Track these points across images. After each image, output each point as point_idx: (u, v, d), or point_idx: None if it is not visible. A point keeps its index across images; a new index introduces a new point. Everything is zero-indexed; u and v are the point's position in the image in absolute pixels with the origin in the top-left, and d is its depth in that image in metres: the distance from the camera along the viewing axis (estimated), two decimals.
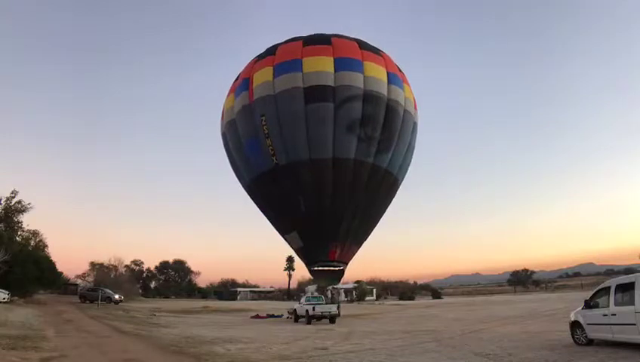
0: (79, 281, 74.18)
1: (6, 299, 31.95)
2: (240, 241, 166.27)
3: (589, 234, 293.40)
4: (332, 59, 18.28)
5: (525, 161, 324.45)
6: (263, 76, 18.94)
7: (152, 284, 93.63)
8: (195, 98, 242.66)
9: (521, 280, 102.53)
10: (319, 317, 27.64)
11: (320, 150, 18.21)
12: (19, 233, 48.22)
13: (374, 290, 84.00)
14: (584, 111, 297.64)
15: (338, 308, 28.41)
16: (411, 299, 78.67)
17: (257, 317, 33.81)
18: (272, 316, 34.56)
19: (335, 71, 18.19)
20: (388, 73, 19.29)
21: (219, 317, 35.77)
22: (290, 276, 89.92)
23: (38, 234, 53.91)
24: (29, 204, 46.27)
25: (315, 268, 22.52)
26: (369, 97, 18.34)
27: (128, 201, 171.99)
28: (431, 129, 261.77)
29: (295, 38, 20.75)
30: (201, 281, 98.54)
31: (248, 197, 23.06)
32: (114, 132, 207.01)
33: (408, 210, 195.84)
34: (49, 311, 31.53)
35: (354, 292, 77.19)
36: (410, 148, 21.05)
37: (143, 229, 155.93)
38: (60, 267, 56.71)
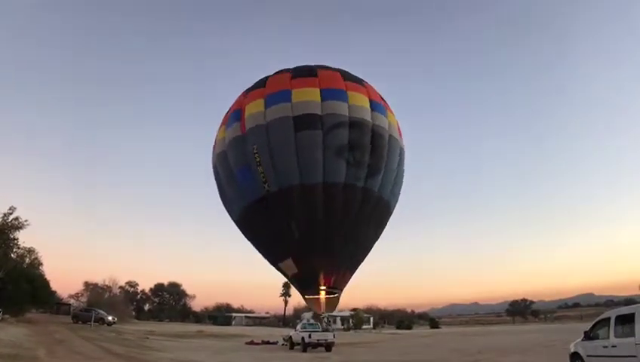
0: (72, 301, 73.24)
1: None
2: (236, 266, 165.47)
3: (589, 264, 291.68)
4: (318, 90, 19.50)
5: (525, 192, 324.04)
6: (255, 107, 19.58)
7: (146, 307, 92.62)
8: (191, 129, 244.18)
9: (520, 310, 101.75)
10: (315, 345, 27.20)
11: (310, 175, 18.51)
12: (14, 250, 47.80)
13: (371, 319, 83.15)
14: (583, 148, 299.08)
15: (334, 336, 28.03)
16: (409, 328, 77.86)
17: (252, 343, 33.27)
18: (267, 343, 34.03)
19: (322, 100, 19.24)
20: (370, 101, 20.29)
21: (213, 342, 35.23)
22: (286, 302, 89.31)
23: (34, 251, 53.50)
24: (25, 220, 45.95)
25: (310, 296, 21.85)
26: (354, 124, 19.30)
27: (125, 222, 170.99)
28: (428, 154, 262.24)
29: (282, 70, 21.81)
30: (196, 305, 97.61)
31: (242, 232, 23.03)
32: (114, 151, 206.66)
33: (405, 238, 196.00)
34: (41, 330, 31.03)
35: (350, 320, 76.27)
36: (399, 173, 21.58)
37: (139, 251, 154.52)
38: (53, 286, 56.27)
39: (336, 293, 21.90)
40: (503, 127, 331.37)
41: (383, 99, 21.92)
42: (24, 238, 46.84)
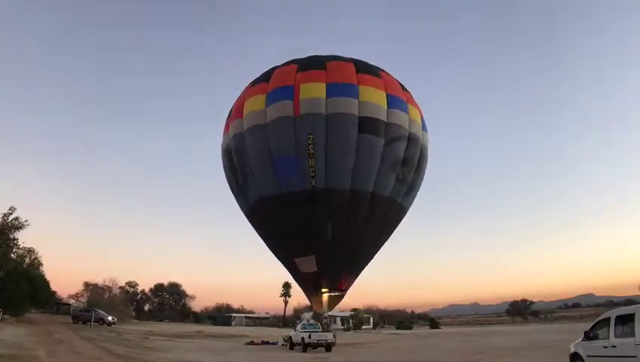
0: (72, 301, 73.27)
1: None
2: (236, 266, 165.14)
3: (589, 265, 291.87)
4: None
5: (525, 192, 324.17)
6: (316, 91, 17.58)
7: (146, 307, 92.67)
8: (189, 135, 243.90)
9: (520, 310, 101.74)
10: (315, 346, 27.21)
11: (365, 183, 18.24)
12: (14, 250, 47.78)
13: (371, 319, 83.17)
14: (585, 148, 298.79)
15: (334, 336, 28.02)
16: (409, 328, 77.89)
17: (252, 343, 33.27)
18: (267, 343, 34.04)
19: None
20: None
21: (213, 342, 35.24)
22: (286, 302, 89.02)
23: (34, 251, 53.47)
24: (25, 221, 45.94)
25: (319, 295, 21.84)
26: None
27: (125, 222, 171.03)
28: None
29: (347, 59, 20.09)
30: (196, 305, 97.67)
31: (251, 221, 22.26)
32: (113, 149, 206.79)
33: (405, 239, 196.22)
34: (41, 330, 31.07)
35: (350, 320, 76.26)
36: (420, 176, 20.63)
37: (139, 251, 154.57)
38: (53, 286, 56.27)
39: (343, 294, 22.17)
40: (503, 126, 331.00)
41: (404, 89, 20.04)
42: (24, 238, 46.93)
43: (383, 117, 17.75)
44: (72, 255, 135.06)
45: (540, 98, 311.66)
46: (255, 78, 19.97)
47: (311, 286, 21.50)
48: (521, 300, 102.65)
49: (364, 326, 75.60)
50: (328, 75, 17.91)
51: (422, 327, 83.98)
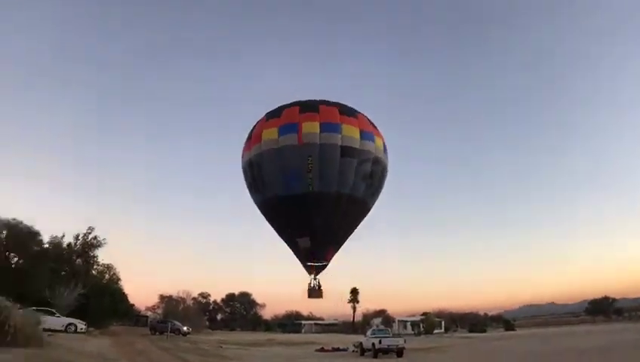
0: (149, 313, 76.72)
1: (84, 330, 33.24)
2: (304, 275, 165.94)
3: None
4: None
5: (601, 186, 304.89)
6: (312, 128, 24.63)
7: (219, 316, 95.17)
8: None
9: (602, 309, 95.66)
10: (386, 351, 26.90)
11: (345, 188, 25.26)
12: (94, 267, 50.71)
13: (442, 323, 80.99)
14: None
15: (404, 341, 27.50)
16: (482, 331, 75.27)
17: (322, 350, 33.27)
18: (338, 349, 33.91)
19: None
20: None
21: (284, 349, 35.56)
22: (354, 308, 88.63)
23: (112, 267, 56.52)
24: (103, 239, 48.78)
25: (309, 264, 27.04)
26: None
27: (195, 236, 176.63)
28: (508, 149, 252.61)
29: (331, 103, 27.12)
30: (266, 313, 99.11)
31: (263, 212, 28.53)
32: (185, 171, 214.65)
33: (475, 239, 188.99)
34: (121, 341, 32.48)
35: (421, 324, 74.68)
36: (382, 185, 27.83)
37: (210, 262, 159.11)
38: (131, 299, 59.00)
39: (326, 264, 27.66)
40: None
41: (373, 126, 27.17)
42: (103, 255, 49.79)
43: (357, 145, 25.11)
44: (147, 269, 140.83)
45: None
46: (268, 112, 27.15)
47: (305, 258, 27.10)
48: (603, 298, 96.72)
49: (435, 331, 73.72)
50: (321, 116, 25.00)
51: (496, 330, 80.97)
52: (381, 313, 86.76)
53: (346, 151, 24.48)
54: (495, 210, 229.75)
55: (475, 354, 28.21)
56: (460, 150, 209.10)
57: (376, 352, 26.67)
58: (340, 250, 28.44)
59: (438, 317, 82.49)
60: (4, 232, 44.97)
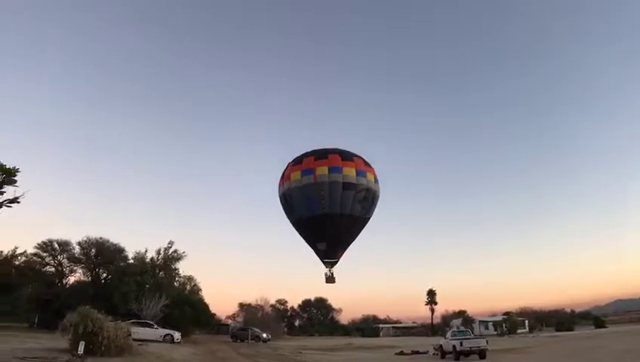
0: (230, 321, 79.23)
1: (179, 340, 34.98)
2: (379, 278, 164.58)
3: None
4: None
5: None
6: (322, 171, 32.75)
7: (297, 322, 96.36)
8: None
9: None
10: (468, 353, 25.98)
11: (345, 209, 32.76)
12: (176, 279, 53.15)
13: (526, 322, 77.30)
14: None
15: (486, 342, 26.44)
16: (570, 329, 71.00)
17: (402, 353, 32.66)
18: (417, 352, 33.21)
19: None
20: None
21: (363, 354, 35.32)
22: (432, 310, 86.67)
23: (193, 279, 59.07)
24: (183, 252, 51.06)
25: (326, 260, 34.26)
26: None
27: (269, 244, 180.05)
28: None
29: (330, 150, 34.87)
30: (343, 318, 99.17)
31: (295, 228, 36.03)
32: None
33: (559, 232, 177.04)
34: (205, 349, 33.59)
35: (503, 324, 71.63)
36: (374, 206, 35.15)
37: (285, 269, 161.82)
38: (212, 308, 61.13)
39: (337, 261, 34.50)
40: None
41: (367, 164, 34.67)
42: (183, 268, 52.10)
43: (354, 181, 32.94)
44: (226, 278, 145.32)
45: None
46: (293, 159, 35.41)
47: (323, 257, 34.41)
48: None
49: (519, 330, 70.48)
50: (329, 162, 32.97)
51: (585, 327, 76.03)
52: (461, 314, 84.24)
53: (346, 185, 32.52)
54: (583, 202, 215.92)
55: (563, 354, 26.54)
56: (546, 141, 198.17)
57: (458, 354, 25.78)
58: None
59: (520, 317, 78.89)
60: (94, 250, 48.23)
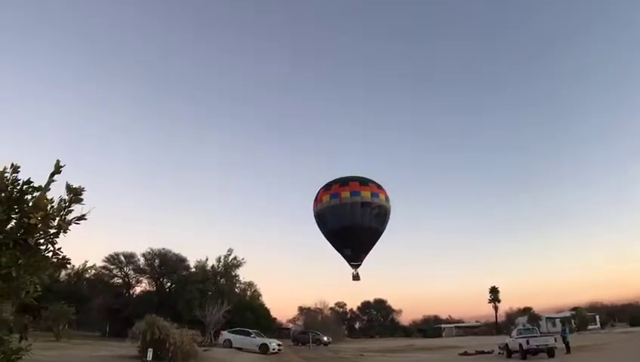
0: (291, 325, 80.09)
1: (275, 350, 34.02)
2: (438, 277, 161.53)
3: None
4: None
5: None
6: (345, 194, 38.71)
7: (357, 325, 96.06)
8: None
9: None
10: (535, 352, 25.17)
11: (365, 222, 38.12)
12: (237, 285, 54.41)
13: (597, 317, 73.59)
14: None
15: (555, 340, 25.44)
16: None
17: (465, 354, 31.94)
18: (482, 352, 32.40)
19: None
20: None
21: (426, 355, 34.90)
22: (496, 308, 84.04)
23: (253, 285, 60.33)
24: (242, 258, 52.28)
25: (352, 263, 39.00)
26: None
27: (318, 247, 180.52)
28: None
29: (354, 178, 40.86)
30: (404, 319, 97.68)
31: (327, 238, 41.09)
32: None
33: (635, 218, 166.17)
34: (268, 354, 34.16)
35: (572, 321, 68.46)
36: (387, 220, 40.16)
37: (344, 271, 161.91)
38: (273, 313, 62.16)
39: (361, 263, 39.33)
40: None
41: (379, 187, 40.01)
42: (243, 274, 53.30)
43: (369, 200, 38.49)
44: (286, 283, 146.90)
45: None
46: (323, 185, 41.24)
47: (349, 260, 39.25)
48: None
49: (589, 326, 67.22)
50: (350, 188, 38.89)
51: None
52: (526, 311, 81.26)
53: (364, 204, 38.57)
54: None
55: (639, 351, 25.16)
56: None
57: (525, 353, 25.02)
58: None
59: (590, 312, 75.23)
60: (157, 261, 50.27)
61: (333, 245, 41.18)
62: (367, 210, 38.80)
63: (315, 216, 41.99)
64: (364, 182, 40.79)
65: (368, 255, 40.85)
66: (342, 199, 38.86)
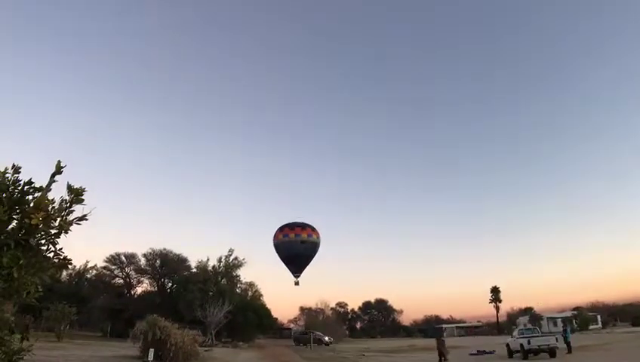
0: (292, 325, 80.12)
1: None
2: (439, 277, 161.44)
3: None
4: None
5: None
6: (291, 235, 49.97)
7: (358, 325, 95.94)
8: None
9: None
10: (536, 352, 25.07)
11: (301, 251, 49.51)
12: (238, 285, 54.43)
13: (599, 317, 73.40)
14: None
15: (556, 340, 25.34)
16: None
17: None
18: (483, 352, 32.19)
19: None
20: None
21: (428, 355, 34.71)
22: (497, 308, 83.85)
23: (254, 285, 60.31)
24: (243, 259, 52.40)
25: (295, 274, 50.23)
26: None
27: (325, 245, 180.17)
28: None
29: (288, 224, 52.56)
30: (405, 319, 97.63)
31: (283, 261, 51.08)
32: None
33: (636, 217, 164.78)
34: (268, 353, 34.19)
35: (573, 320, 68.27)
36: (316, 250, 51.43)
37: (345, 271, 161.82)
38: (273, 313, 62.15)
39: (300, 275, 50.67)
40: None
41: (313, 230, 51.34)
42: (244, 274, 53.40)
43: (306, 239, 49.79)
44: (286, 282, 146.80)
45: None
46: (279, 227, 52.22)
47: (293, 273, 50.02)
48: None
49: (590, 326, 67.06)
50: (294, 231, 50.10)
51: None
52: (527, 311, 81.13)
53: (303, 242, 49.76)
54: None
55: None
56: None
57: (526, 353, 24.94)
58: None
59: (592, 311, 75.07)
60: (158, 261, 50.33)
61: (284, 263, 53.41)
62: (305, 245, 51.90)
63: (274, 246, 54.46)
64: (304, 226, 54.71)
65: (304, 271, 54.12)
66: (290, 238, 52.10)
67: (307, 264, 54.96)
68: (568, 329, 30.51)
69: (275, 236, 54.49)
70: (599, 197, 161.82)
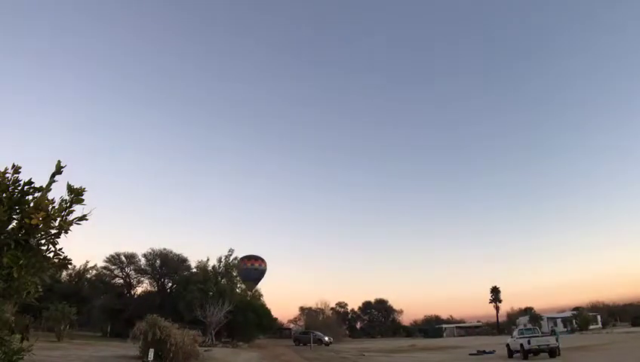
0: (292, 325, 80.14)
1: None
2: (439, 277, 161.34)
3: None
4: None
5: None
6: (249, 264, 65.25)
7: (358, 325, 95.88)
8: None
9: None
10: (536, 352, 25.04)
11: (251, 275, 61.76)
12: (238, 285, 54.37)
13: (598, 317, 73.32)
14: None
15: (557, 340, 25.32)
16: None
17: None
18: (483, 352, 32.17)
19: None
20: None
21: (428, 355, 34.76)
22: (497, 308, 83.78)
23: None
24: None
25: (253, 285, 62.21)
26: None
27: (325, 245, 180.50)
28: None
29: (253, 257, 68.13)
30: (405, 319, 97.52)
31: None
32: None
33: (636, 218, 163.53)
34: (269, 353, 34.15)
35: (573, 321, 68.25)
36: (264, 274, 68.73)
37: (345, 271, 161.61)
38: (273, 313, 62.18)
39: (256, 285, 62.13)
40: None
41: (262, 261, 69.19)
42: None
43: (257, 267, 68.02)
44: (287, 282, 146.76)
45: None
46: (242, 256, 60.19)
47: (250, 287, 57.85)
48: None
49: (590, 326, 66.99)
50: (250, 261, 66.14)
51: None
52: (527, 311, 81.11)
53: (254, 269, 65.15)
54: None
55: None
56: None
57: (526, 353, 24.91)
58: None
59: (592, 312, 75.00)
60: (158, 261, 50.29)
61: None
62: (256, 271, 66.23)
63: (241, 269, 59.79)
64: (256, 258, 69.53)
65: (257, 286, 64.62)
66: (248, 266, 64.06)
67: (258, 282, 68.39)
68: (557, 331, 30.48)
69: (239, 263, 62.48)
70: (599, 198, 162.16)
